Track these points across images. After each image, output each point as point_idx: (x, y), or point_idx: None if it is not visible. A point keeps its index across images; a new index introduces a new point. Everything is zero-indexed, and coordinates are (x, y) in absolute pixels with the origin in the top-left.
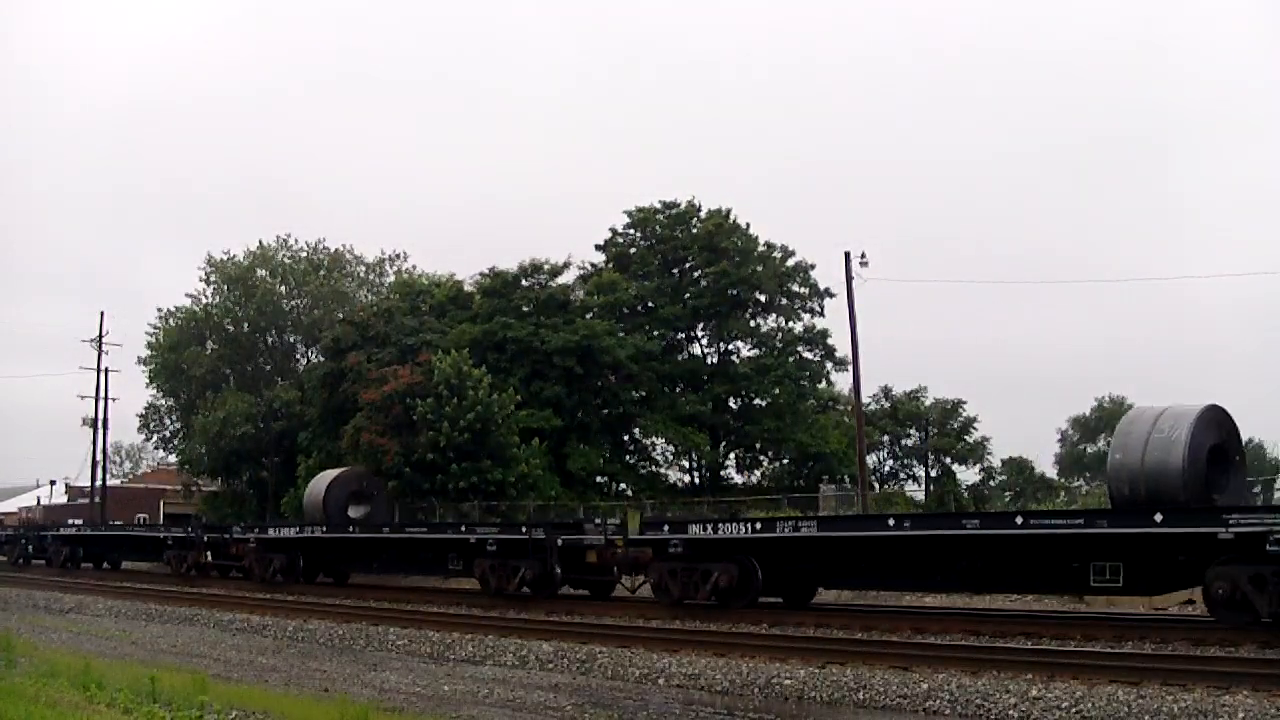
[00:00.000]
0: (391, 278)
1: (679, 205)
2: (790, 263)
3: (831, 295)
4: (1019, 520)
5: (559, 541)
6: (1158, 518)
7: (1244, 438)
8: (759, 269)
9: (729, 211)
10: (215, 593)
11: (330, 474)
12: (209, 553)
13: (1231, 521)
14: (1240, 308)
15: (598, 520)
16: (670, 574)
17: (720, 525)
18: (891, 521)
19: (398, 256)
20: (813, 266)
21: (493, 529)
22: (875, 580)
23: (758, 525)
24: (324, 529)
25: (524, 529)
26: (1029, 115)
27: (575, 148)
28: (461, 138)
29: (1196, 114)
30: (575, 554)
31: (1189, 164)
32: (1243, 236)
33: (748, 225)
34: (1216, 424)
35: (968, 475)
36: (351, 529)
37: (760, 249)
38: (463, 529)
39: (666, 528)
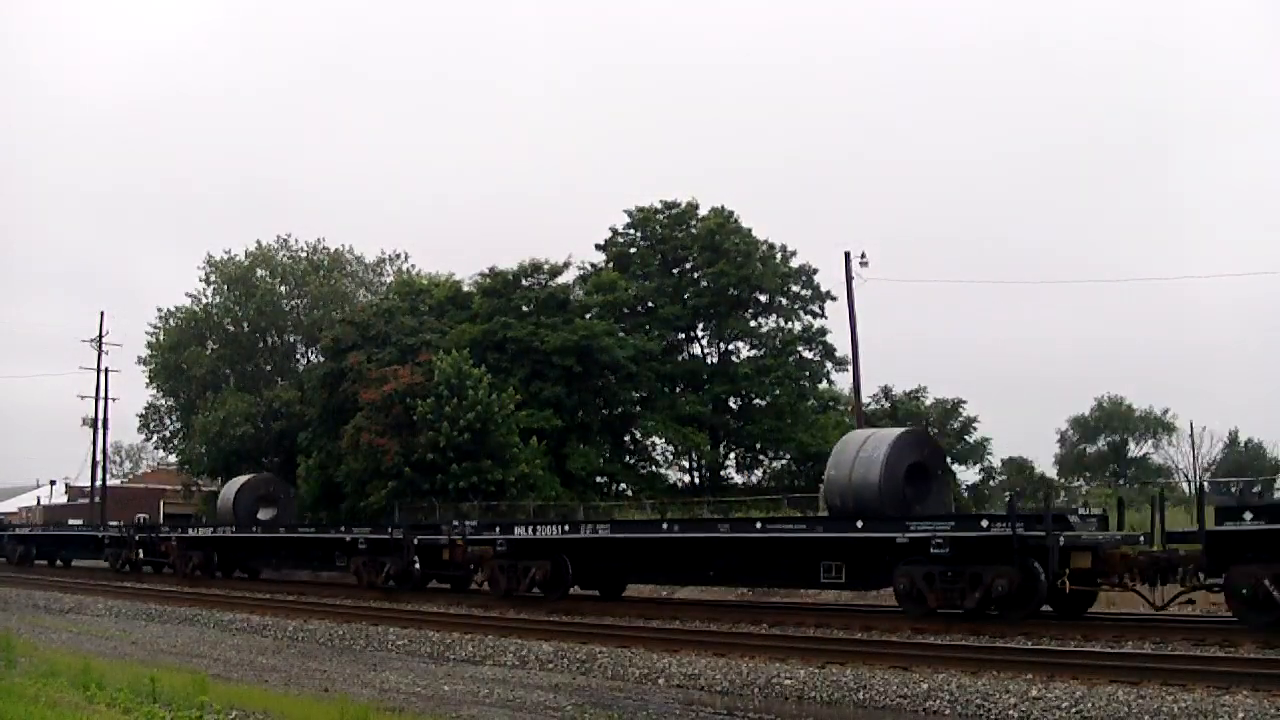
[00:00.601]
0: (391, 278)
1: (679, 205)
2: (793, 264)
3: (833, 299)
4: (759, 525)
5: (416, 541)
6: (859, 524)
7: (1245, 438)
8: (760, 269)
9: (730, 212)
10: (215, 593)
11: (240, 479)
12: (140, 550)
13: (910, 528)
14: (1240, 308)
15: (455, 522)
16: (500, 569)
17: (538, 527)
18: (665, 525)
19: (397, 256)
20: (815, 271)
21: (365, 530)
22: (661, 575)
23: (566, 527)
24: (233, 529)
25: (388, 530)
26: (1029, 115)
27: (575, 148)
28: (461, 137)
29: (1197, 114)
30: (433, 552)
31: (1189, 164)
32: (1243, 236)
33: (750, 229)
34: (916, 445)
35: (968, 475)
36: (255, 529)
37: (763, 249)
38: (341, 530)
39: (497, 529)
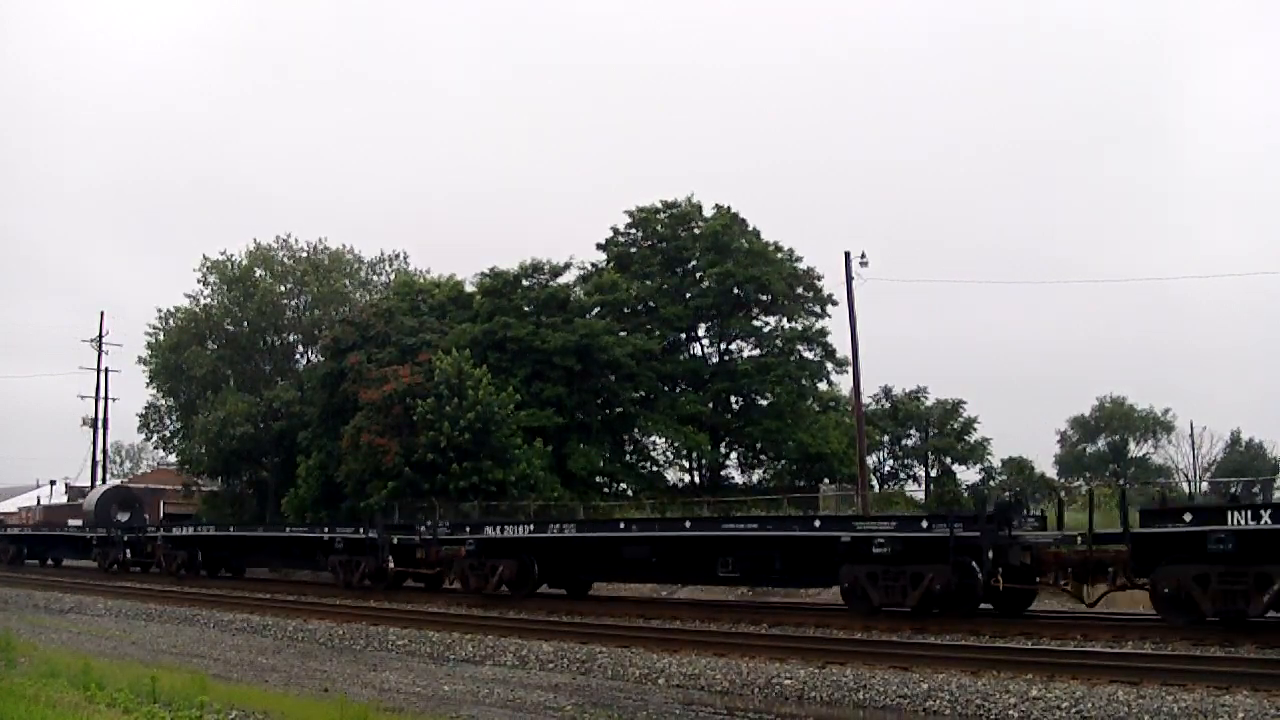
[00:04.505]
0: (390, 278)
1: (680, 205)
2: (799, 267)
3: (834, 303)
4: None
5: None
6: (816, 524)
7: (1245, 438)
8: (766, 269)
9: (736, 212)
10: (214, 593)
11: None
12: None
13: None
14: (1240, 307)
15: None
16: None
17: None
18: (622, 525)
19: (395, 256)
20: (820, 277)
21: (344, 530)
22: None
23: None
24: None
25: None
26: (1030, 115)
27: (575, 148)
28: (460, 137)
29: (1197, 113)
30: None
31: (1190, 163)
32: (1244, 236)
33: (759, 231)
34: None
35: (968, 475)
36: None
37: (768, 249)
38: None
39: (467, 529)
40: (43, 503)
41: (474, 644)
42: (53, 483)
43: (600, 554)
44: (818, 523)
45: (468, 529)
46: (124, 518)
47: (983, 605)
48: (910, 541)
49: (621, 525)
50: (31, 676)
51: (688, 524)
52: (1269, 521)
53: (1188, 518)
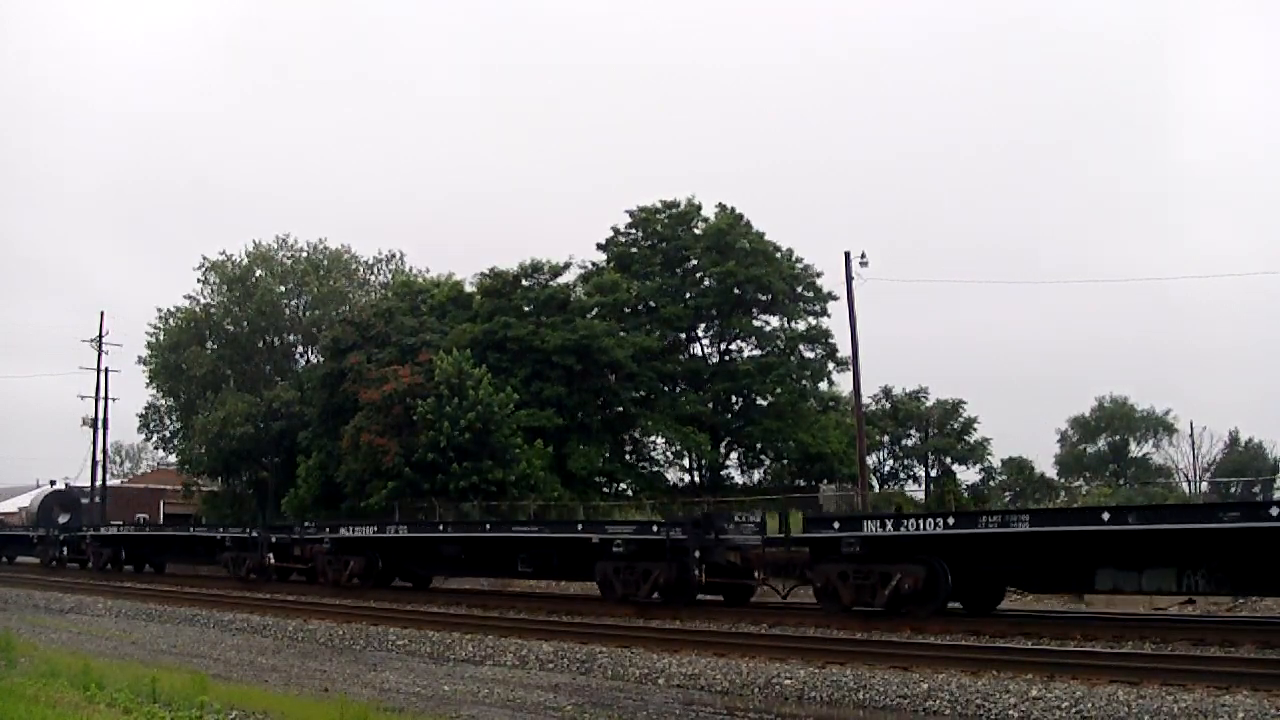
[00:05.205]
0: (388, 278)
1: (680, 205)
2: (799, 266)
3: (834, 298)
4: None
5: (272, 539)
6: (578, 527)
7: (1245, 438)
8: (766, 269)
9: (738, 212)
10: (214, 593)
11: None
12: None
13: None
14: (1240, 307)
15: (307, 524)
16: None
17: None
18: (440, 527)
19: (392, 257)
20: (820, 274)
21: (236, 530)
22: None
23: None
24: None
25: (250, 531)
26: (1030, 115)
27: (575, 148)
28: (460, 137)
29: (1198, 113)
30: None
31: (1190, 163)
32: (1244, 236)
33: (763, 233)
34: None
35: (968, 475)
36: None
37: (769, 249)
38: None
39: (326, 530)
40: None
41: (474, 644)
42: (52, 483)
43: (425, 551)
44: (580, 527)
45: (327, 530)
46: (64, 519)
47: (711, 597)
48: (641, 543)
49: (440, 528)
50: (31, 676)
51: (487, 526)
52: (890, 529)
53: (836, 525)
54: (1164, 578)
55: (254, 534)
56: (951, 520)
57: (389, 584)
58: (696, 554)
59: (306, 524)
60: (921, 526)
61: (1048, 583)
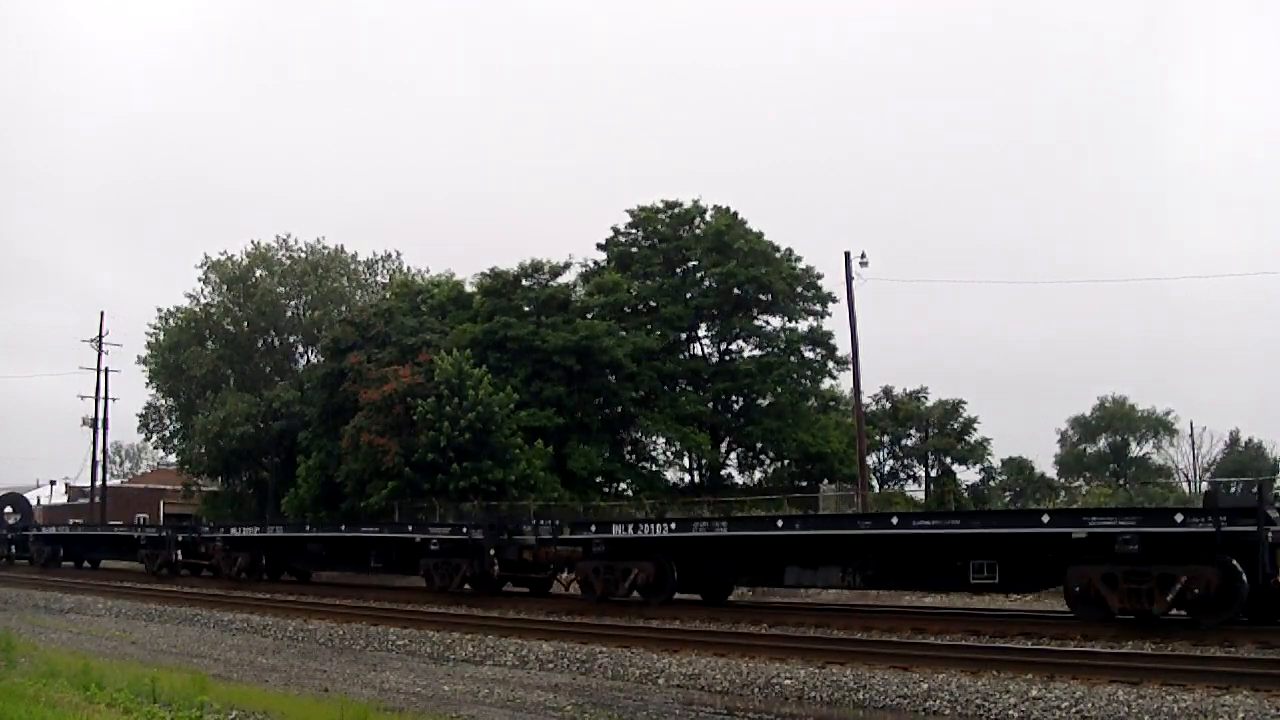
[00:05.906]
0: (386, 278)
1: (681, 204)
2: (799, 267)
3: (834, 300)
4: (342, 528)
5: (179, 538)
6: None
7: (1245, 438)
8: (767, 269)
9: (736, 213)
10: (214, 593)
11: None
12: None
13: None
14: (1240, 307)
15: (206, 524)
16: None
17: (243, 528)
18: (307, 528)
19: (388, 256)
20: (820, 276)
21: (151, 530)
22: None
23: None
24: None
25: (161, 531)
26: (1030, 115)
27: (576, 148)
28: (460, 137)
29: (1198, 112)
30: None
31: (1190, 163)
32: (1244, 236)
33: (761, 233)
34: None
35: (968, 475)
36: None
37: (769, 249)
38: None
39: (220, 530)
40: (43, 503)
41: (474, 644)
42: (53, 483)
43: (296, 549)
44: (410, 527)
45: (221, 530)
46: (15, 519)
47: (519, 589)
48: (452, 542)
49: (307, 528)
50: (31, 676)
51: (343, 528)
52: (630, 532)
53: (592, 529)
54: (831, 574)
55: (164, 534)
56: (673, 525)
57: (277, 578)
58: (492, 551)
59: (206, 524)
60: (652, 530)
61: (752, 578)
